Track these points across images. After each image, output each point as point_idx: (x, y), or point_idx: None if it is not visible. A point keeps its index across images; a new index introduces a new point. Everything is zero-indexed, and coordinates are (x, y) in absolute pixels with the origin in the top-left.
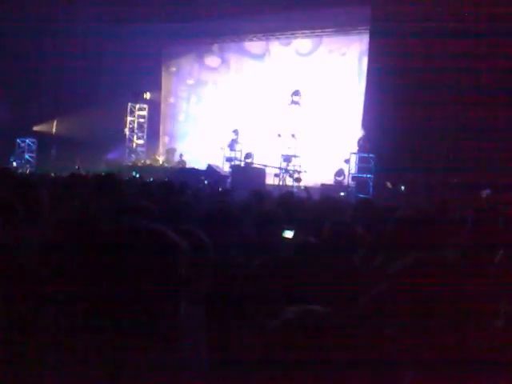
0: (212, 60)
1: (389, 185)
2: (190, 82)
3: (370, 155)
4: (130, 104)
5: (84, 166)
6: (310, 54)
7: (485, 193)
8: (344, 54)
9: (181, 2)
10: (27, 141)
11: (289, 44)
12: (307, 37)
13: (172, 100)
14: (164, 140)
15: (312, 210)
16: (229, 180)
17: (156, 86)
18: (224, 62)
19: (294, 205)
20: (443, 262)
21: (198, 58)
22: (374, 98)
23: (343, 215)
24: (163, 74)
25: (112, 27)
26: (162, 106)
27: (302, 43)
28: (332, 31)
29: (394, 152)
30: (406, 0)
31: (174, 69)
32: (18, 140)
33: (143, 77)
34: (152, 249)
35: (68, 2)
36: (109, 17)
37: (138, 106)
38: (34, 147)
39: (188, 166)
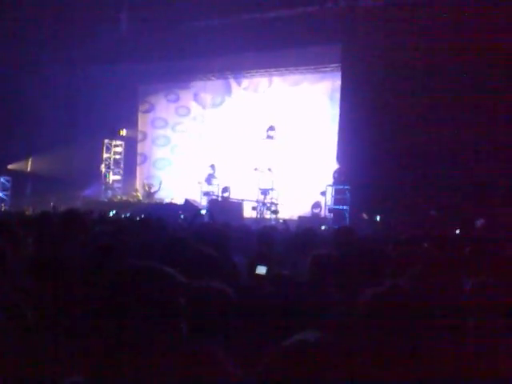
0: (189, 97)
1: (364, 216)
2: (168, 118)
3: (346, 187)
4: (106, 141)
5: (59, 203)
6: (283, 89)
7: (479, 222)
8: (317, 90)
9: (154, 45)
10: (1, 179)
11: (263, 81)
12: (281, 74)
13: (149, 136)
14: (141, 175)
15: (290, 242)
16: (206, 214)
17: (132, 123)
18: (201, 98)
19: (275, 239)
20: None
21: (175, 95)
22: (347, 131)
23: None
24: (140, 109)
25: (88, 66)
26: (139, 142)
27: (275, 80)
28: (304, 69)
29: (369, 183)
30: (376, 36)
31: (150, 104)
32: None
33: (119, 114)
34: (154, 285)
35: (45, 41)
36: (84, 57)
37: (114, 143)
38: (8, 185)
39: (165, 200)
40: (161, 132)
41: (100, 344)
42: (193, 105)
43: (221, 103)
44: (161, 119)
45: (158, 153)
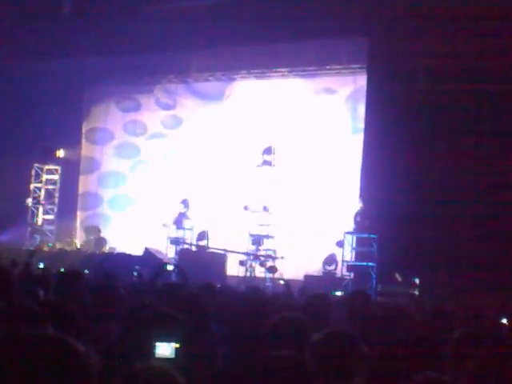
0: (152, 105)
1: (398, 277)
2: (123, 133)
3: (372, 235)
4: (35, 165)
5: None
6: (286, 98)
7: None
8: (333, 99)
9: (106, 35)
10: None
11: (259, 85)
12: (283, 76)
13: (95, 158)
14: (82, 215)
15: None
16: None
17: (73, 141)
18: (169, 107)
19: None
20: None
21: (132, 103)
22: (375, 157)
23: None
24: (85, 123)
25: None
26: (82, 166)
27: (276, 84)
28: (317, 69)
29: (404, 231)
30: (415, 30)
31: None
32: None
33: (55, 129)
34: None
35: None
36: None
37: (46, 168)
38: None
39: (116, 250)
40: (132, 140)
41: None
42: (158, 116)
43: (199, 114)
44: (114, 135)
45: (114, 164)
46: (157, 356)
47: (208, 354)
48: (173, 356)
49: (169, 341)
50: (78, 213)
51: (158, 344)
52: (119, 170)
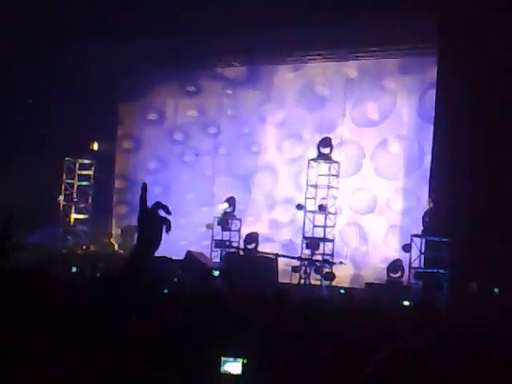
0: (191, 91)
1: (474, 286)
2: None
3: (443, 239)
4: (67, 159)
5: None
6: (345, 81)
7: None
8: (398, 85)
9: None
10: None
11: (314, 68)
12: (343, 57)
13: (135, 136)
14: (119, 213)
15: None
16: (219, 276)
17: (109, 132)
18: (210, 93)
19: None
20: None
21: (174, 89)
22: (447, 151)
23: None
24: (123, 111)
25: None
26: (118, 160)
27: (332, 67)
28: (379, 50)
29: (481, 234)
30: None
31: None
32: None
33: (90, 119)
34: None
35: None
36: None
37: (79, 162)
38: None
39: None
40: (183, 126)
41: None
42: (201, 103)
43: (250, 100)
44: (152, 126)
45: (159, 148)
46: (222, 372)
47: (276, 371)
48: (239, 372)
49: (236, 357)
50: (114, 210)
51: (224, 359)
52: (163, 155)
